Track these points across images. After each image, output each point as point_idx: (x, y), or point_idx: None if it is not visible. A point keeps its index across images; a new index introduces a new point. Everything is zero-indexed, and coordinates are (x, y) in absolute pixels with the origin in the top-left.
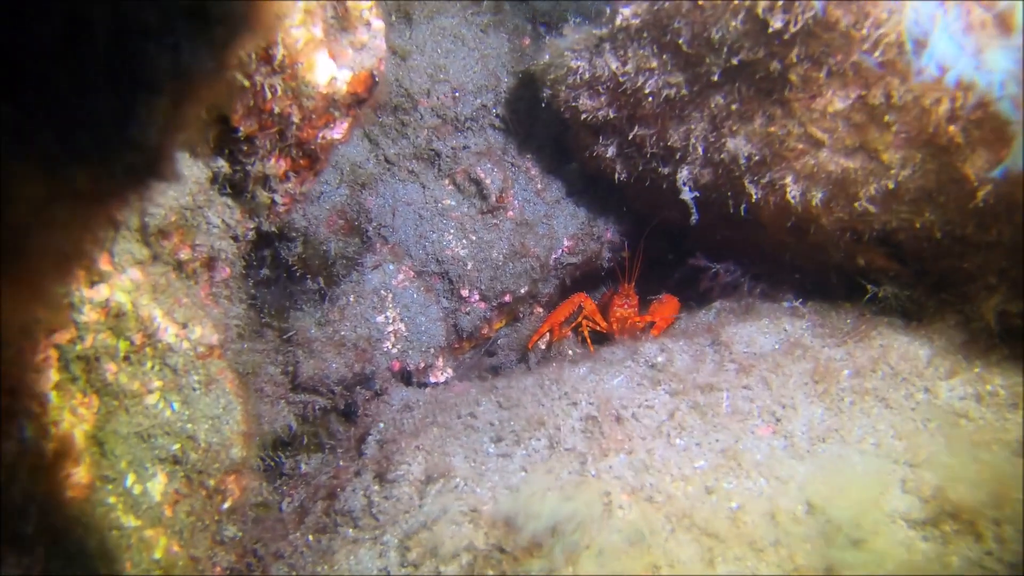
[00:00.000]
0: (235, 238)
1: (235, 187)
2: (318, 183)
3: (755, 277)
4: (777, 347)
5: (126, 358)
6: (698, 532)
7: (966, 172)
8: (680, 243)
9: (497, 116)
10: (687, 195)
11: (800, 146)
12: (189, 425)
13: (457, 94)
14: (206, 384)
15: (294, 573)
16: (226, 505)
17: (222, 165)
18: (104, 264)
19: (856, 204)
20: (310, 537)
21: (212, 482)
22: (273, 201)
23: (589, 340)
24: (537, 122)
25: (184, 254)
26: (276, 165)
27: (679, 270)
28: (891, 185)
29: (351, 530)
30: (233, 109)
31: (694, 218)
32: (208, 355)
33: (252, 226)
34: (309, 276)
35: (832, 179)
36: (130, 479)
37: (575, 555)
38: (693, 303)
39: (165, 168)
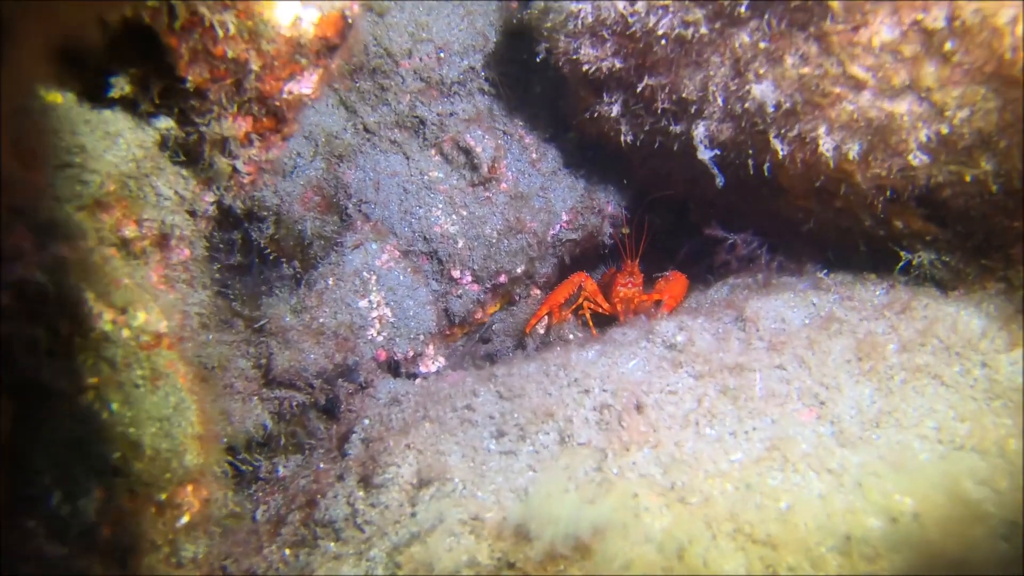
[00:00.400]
0: (192, 213)
1: (190, 154)
2: (290, 155)
3: (772, 249)
4: (808, 322)
5: (50, 352)
6: (744, 539)
7: None
8: (685, 216)
9: (486, 79)
10: (705, 154)
11: (837, 90)
12: (132, 429)
13: (442, 54)
14: (152, 380)
15: None
16: (183, 521)
17: (171, 126)
18: (18, 238)
19: (898, 157)
20: (287, 552)
21: (163, 495)
22: (235, 170)
23: (591, 323)
24: (531, 86)
25: (129, 230)
26: (235, 125)
27: (687, 244)
28: (944, 130)
29: (332, 544)
30: (177, 53)
31: (719, 181)
32: (154, 345)
33: (212, 199)
34: (283, 259)
35: (873, 127)
36: (56, 497)
37: (602, 570)
38: (699, 283)
39: None
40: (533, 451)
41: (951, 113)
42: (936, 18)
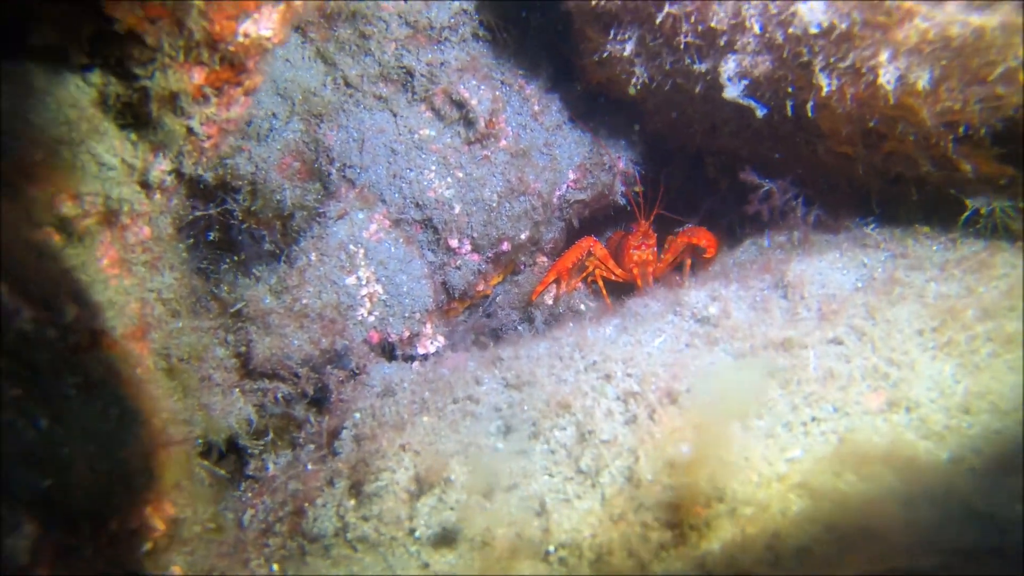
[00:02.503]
0: (146, 185)
1: (138, 115)
2: (264, 116)
3: (808, 202)
4: (861, 285)
5: None
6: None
7: None
8: (701, 171)
9: (481, 22)
10: (734, 91)
11: (908, 4)
12: (65, 449)
13: None
14: (86, 388)
15: None
16: (144, 549)
17: (109, 80)
18: None
19: (981, 85)
20: (275, 567)
21: (114, 524)
22: (191, 131)
23: (605, 291)
24: (530, 29)
25: (67, 207)
26: (184, 77)
27: (709, 200)
28: None
29: (321, 562)
30: None
31: (760, 111)
32: (91, 346)
33: (169, 167)
34: (263, 233)
35: (951, 49)
36: None
37: None
38: (723, 243)
39: None
40: (548, 451)
41: None
42: None
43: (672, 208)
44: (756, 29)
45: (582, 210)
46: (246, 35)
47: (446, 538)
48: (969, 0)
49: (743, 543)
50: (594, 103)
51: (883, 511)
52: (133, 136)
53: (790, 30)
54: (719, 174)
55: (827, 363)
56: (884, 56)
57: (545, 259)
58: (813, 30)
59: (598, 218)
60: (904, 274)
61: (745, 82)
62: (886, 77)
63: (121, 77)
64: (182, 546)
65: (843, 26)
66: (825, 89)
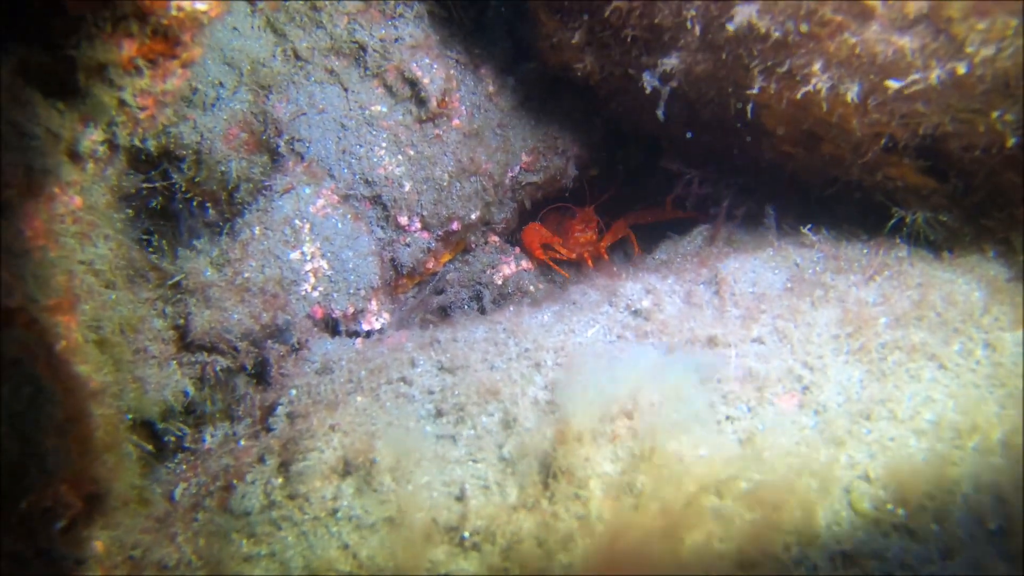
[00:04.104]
0: (74, 154)
1: (64, 85)
2: (210, 84)
3: (743, 192)
4: (790, 285)
5: None
6: (713, 558)
7: None
8: (657, 155)
9: (437, 1)
10: (652, 82)
11: (839, 18)
12: None
13: None
14: None
15: None
16: (60, 525)
17: (31, 50)
18: None
19: (903, 101)
20: (200, 542)
21: (24, 504)
22: (123, 103)
23: (556, 267)
24: (488, 9)
25: None
26: (112, 48)
27: (654, 183)
28: (961, 70)
29: (245, 541)
30: None
31: (660, 114)
32: (2, 325)
33: (100, 138)
34: (207, 204)
35: (878, 65)
36: None
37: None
38: (673, 233)
39: None
40: (475, 436)
41: (973, 50)
42: None
43: (628, 190)
44: (697, 30)
45: (535, 192)
46: (179, 8)
47: (366, 519)
48: (892, 20)
49: (644, 538)
50: (551, 86)
51: (782, 510)
52: (60, 105)
53: (729, 32)
54: (671, 161)
55: (748, 363)
56: (817, 66)
57: (496, 238)
58: (755, 39)
59: (551, 199)
60: (830, 277)
61: (670, 86)
62: (819, 86)
63: (44, 47)
64: (103, 522)
65: (778, 34)
66: (765, 91)
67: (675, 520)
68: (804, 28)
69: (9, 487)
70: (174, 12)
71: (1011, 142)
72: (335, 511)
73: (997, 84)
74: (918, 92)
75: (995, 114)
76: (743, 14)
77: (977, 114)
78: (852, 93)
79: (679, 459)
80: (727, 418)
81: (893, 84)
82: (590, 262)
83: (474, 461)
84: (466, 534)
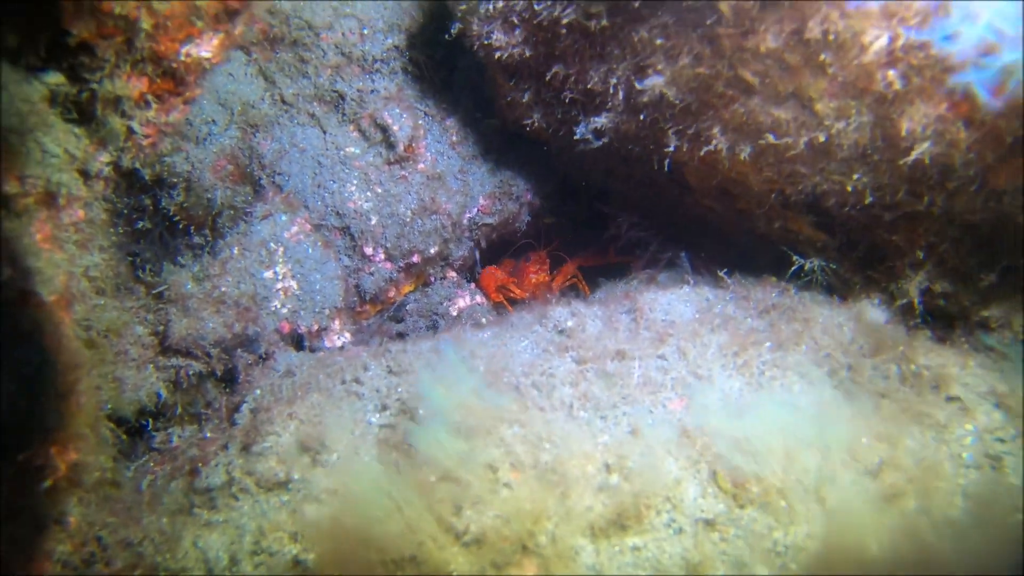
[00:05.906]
0: (84, 173)
1: (84, 113)
2: (204, 121)
3: (669, 240)
4: (697, 316)
5: None
6: (597, 517)
7: (900, 126)
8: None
9: (410, 59)
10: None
11: (730, 92)
12: None
13: (365, 30)
14: (15, 337)
15: (134, 564)
16: (45, 485)
17: (61, 81)
18: None
19: (786, 163)
20: (164, 521)
21: (22, 457)
22: (131, 131)
23: (509, 306)
24: (455, 68)
25: (10, 187)
26: (128, 84)
27: (598, 230)
28: (822, 139)
29: (206, 512)
30: (63, 4)
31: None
32: (21, 303)
33: (107, 159)
34: (193, 227)
35: (763, 131)
36: None
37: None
38: (617, 277)
39: None
40: (410, 424)
41: (829, 124)
42: (812, 29)
43: (577, 237)
44: (620, 96)
45: (490, 233)
46: (188, 55)
47: (313, 491)
48: (768, 96)
49: (543, 502)
50: (510, 140)
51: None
52: (78, 130)
53: (645, 99)
54: (604, 204)
55: (649, 373)
56: (716, 130)
57: (454, 274)
58: (667, 106)
59: (506, 241)
60: (733, 310)
61: (604, 139)
62: (719, 146)
63: (72, 80)
64: (80, 491)
65: (684, 102)
66: (679, 150)
67: (577, 490)
68: (704, 98)
69: (13, 440)
70: (183, 57)
71: (868, 200)
72: (286, 483)
73: (853, 152)
74: (795, 155)
75: (855, 176)
76: (654, 84)
77: (842, 176)
78: (745, 154)
79: (580, 444)
80: (624, 414)
81: (772, 139)
82: (539, 300)
83: (409, 444)
84: (400, 501)
